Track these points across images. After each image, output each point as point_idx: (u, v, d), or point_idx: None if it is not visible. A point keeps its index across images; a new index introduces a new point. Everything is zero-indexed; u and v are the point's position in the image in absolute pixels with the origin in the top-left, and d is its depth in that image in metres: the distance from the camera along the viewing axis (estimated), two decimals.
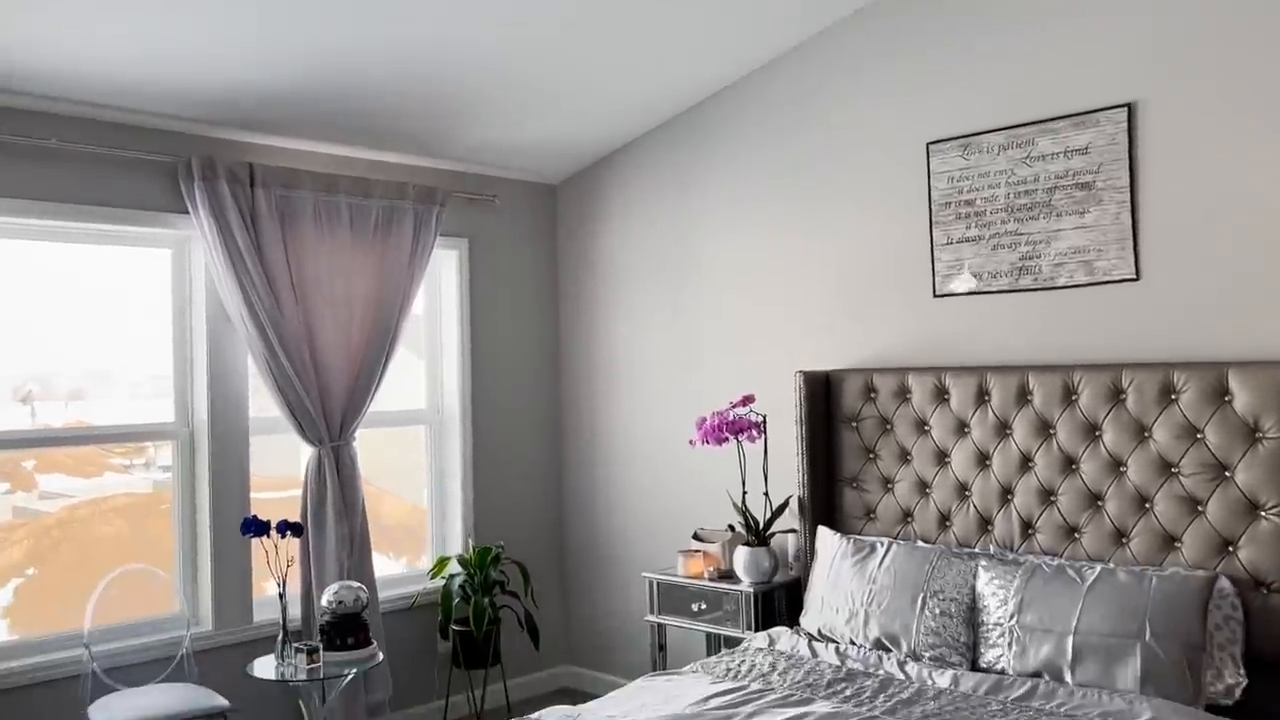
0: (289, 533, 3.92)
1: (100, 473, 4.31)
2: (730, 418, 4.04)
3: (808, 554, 4.13)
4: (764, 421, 4.09)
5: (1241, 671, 3.08)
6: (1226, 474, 3.23)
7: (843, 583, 3.73)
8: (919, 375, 3.94)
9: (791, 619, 4.16)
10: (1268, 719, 3.02)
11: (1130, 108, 3.53)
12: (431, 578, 4.85)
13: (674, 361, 4.92)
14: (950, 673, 3.30)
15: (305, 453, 4.41)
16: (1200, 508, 3.28)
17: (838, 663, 3.49)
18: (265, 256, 4.20)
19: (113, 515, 4.27)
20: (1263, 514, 3.16)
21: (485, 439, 5.15)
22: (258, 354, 4.20)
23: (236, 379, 4.30)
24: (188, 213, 4.09)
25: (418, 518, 5.16)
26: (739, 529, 4.34)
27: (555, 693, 5.33)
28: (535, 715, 3.07)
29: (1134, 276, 3.53)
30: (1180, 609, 3.07)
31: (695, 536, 4.46)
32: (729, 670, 3.47)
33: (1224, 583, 3.15)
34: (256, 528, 3.88)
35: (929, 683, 3.27)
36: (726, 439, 4.01)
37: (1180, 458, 3.32)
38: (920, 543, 3.83)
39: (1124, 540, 3.43)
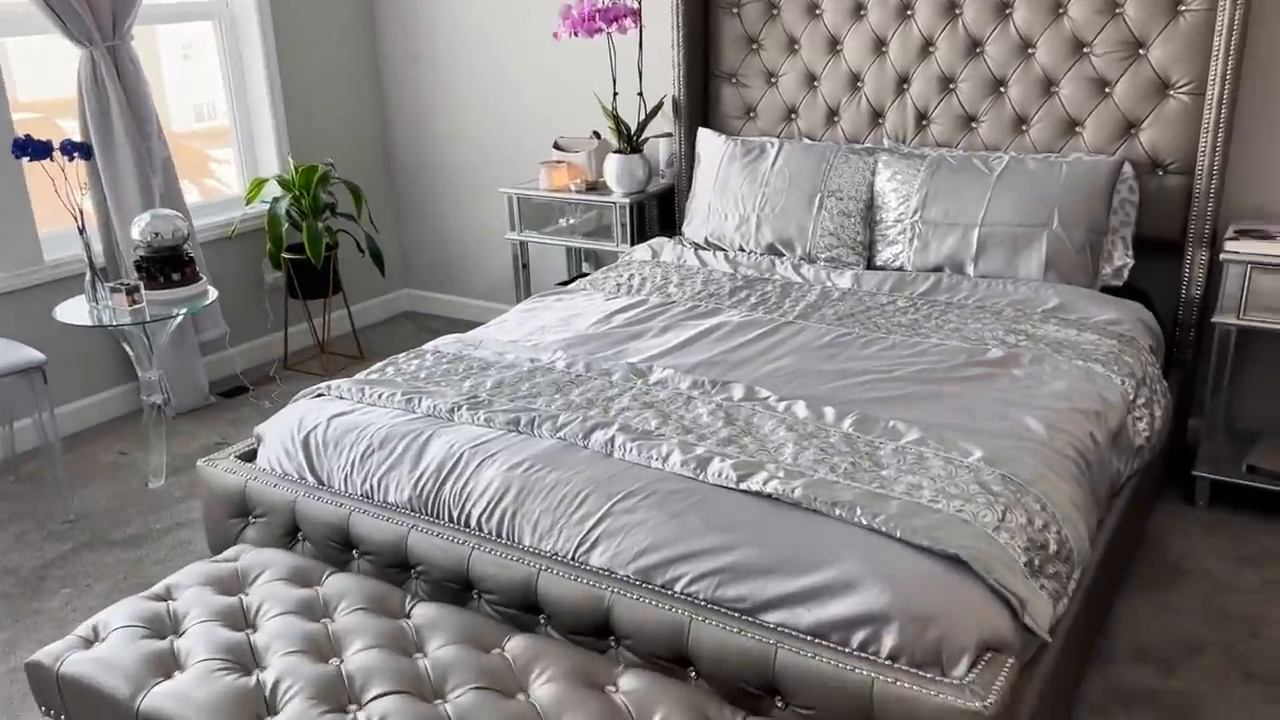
0: (77, 154, 3.22)
1: None
2: (601, 4, 3.50)
3: (683, 159, 3.81)
4: (640, 7, 3.57)
5: (1130, 253, 3.10)
6: (1141, 51, 3.07)
7: (732, 187, 3.47)
8: None
9: (664, 229, 3.92)
10: (1146, 294, 3.10)
11: None
12: (247, 203, 4.27)
13: None
14: (849, 273, 3.18)
15: (75, 59, 3.58)
16: (1108, 89, 3.14)
17: (730, 270, 3.31)
18: None
19: None
20: (1171, 93, 3.05)
21: (289, 37, 4.37)
22: None
23: None
24: None
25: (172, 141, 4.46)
26: (606, 136, 3.95)
27: (400, 317, 5.03)
28: (429, 345, 2.76)
29: None
30: (1088, 195, 3.00)
31: (556, 146, 4.04)
32: (620, 286, 3.22)
33: (1126, 166, 3.09)
34: (34, 150, 3.16)
35: (829, 284, 3.15)
36: (599, 29, 3.49)
37: (1095, 35, 3.11)
38: (807, 140, 3.57)
39: (1024, 128, 3.28)
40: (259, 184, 4.22)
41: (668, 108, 3.78)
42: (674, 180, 3.89)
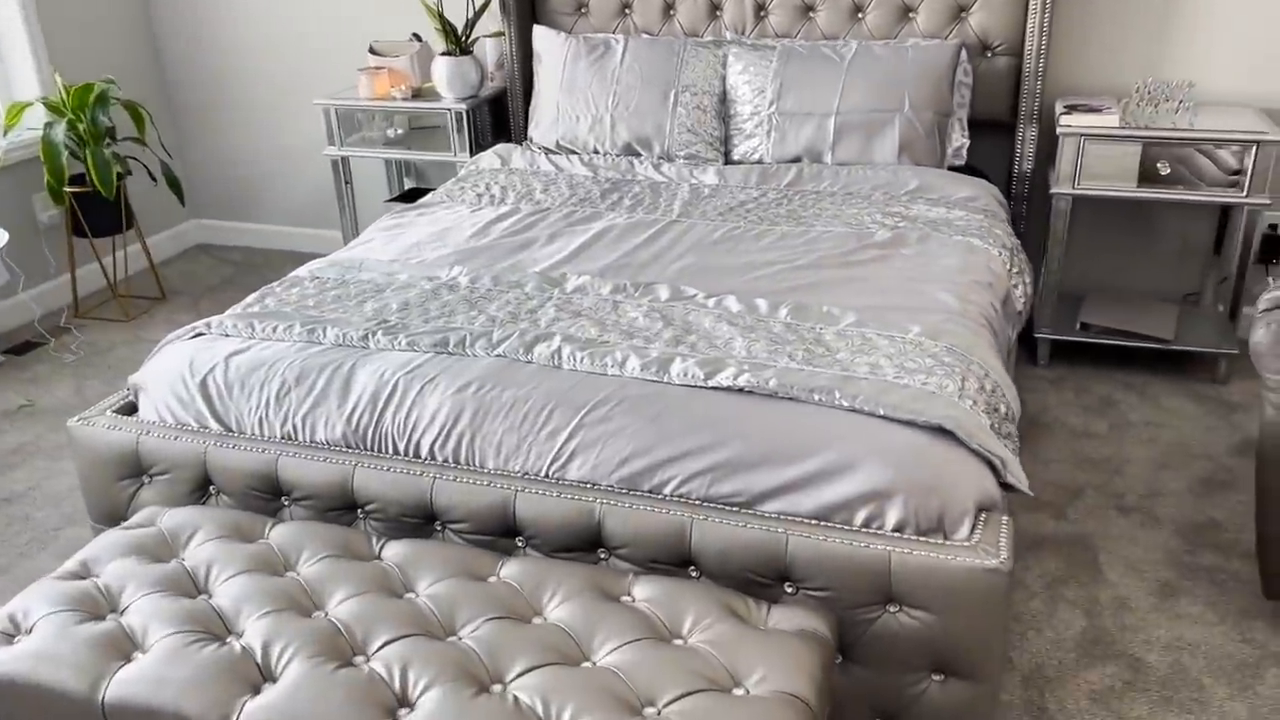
0: None
1: None
2: None
3: (514, 60, 3.65)
4: None
5: (966, 133, 3.25)
6: None
7: (580, 87, 3.35)
8: None
9: (498, 135, 3.76)
10: (983, 172, 3.27)
11: None
12: (5, 131, 3.72)
13: None
14: (711, 168, 3.17)
15: None
16: None
17: (590, 174, 3.22)
18: None
19: None
20: None
21: None
22: None
23: None
24: None
25: None
26: (428, 38, 3.71)
27: (194, 250, 4.59)
28: (303, 271, 2.52)
29: None
30: (935, 78, 3.12)
31: (372, 51, 3.75)
32: (481, 196, 3.07)
33: (962, 50, 3.22)
34: None
35: (696, 181, 3.13)
36: None
37: None
38: (645, 35, 3.50)
39: (860, 15, 3.35)
40: (19, 108, 3.68)
41: (495, 5, 3.59)
42: (505, 82, 3.72)
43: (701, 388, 1.89)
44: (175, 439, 2.02)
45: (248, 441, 1.99)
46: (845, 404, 1.80)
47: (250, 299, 2.39)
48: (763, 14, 3.44)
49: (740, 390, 1.87)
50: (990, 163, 3.35)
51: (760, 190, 3.03)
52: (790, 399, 1.84)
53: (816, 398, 1.82)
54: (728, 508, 1.75)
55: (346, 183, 3.81)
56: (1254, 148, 2.90)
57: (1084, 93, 3.32)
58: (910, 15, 3.31)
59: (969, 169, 3.24)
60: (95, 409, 2.15)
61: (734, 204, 2.91)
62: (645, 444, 1.80)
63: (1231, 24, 3.14)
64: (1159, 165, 3.00)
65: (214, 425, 2.06)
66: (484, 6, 3.52)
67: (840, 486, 1.71)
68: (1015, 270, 2.67)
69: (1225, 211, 3.28)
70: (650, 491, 1.79)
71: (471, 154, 3.58)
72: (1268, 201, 2.95)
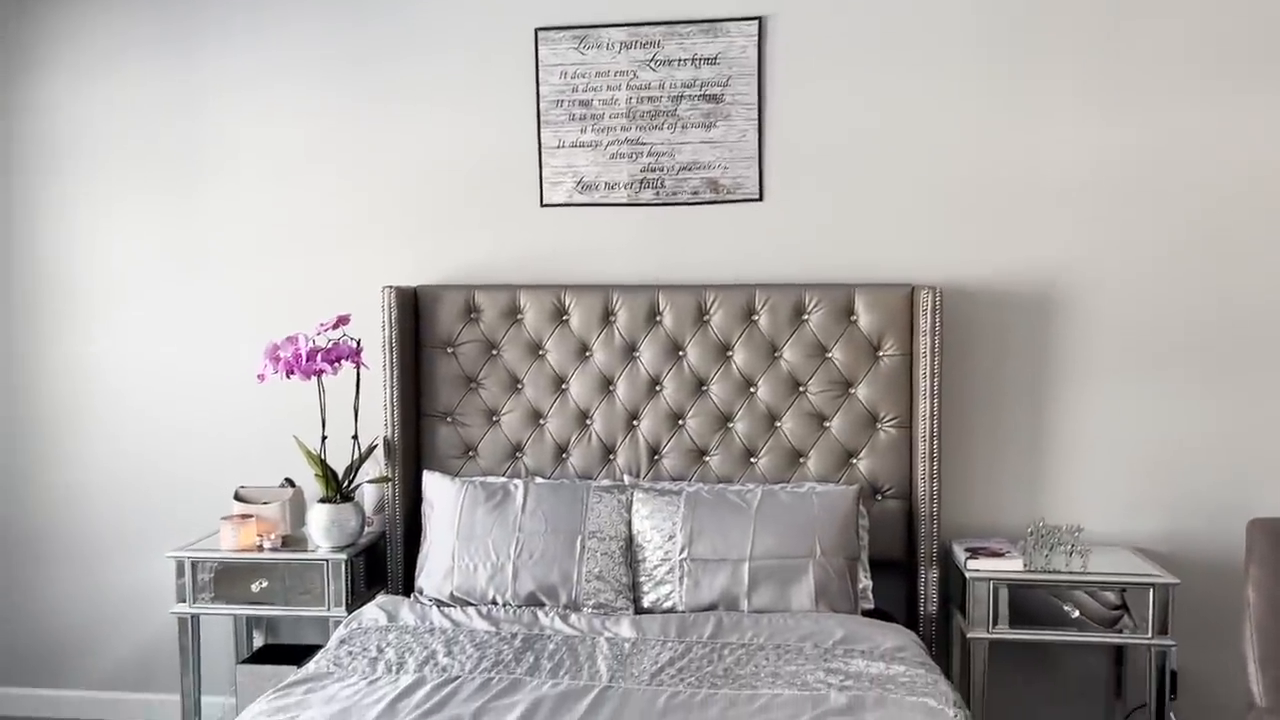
0: None
1: None
2: (324, 343, 3.17)
3: (396, 505, 3.45)
4: (361, 347, 3.29)
5: (868, 574, 3.24)
6: (851, 390, 3.37)
7: (479, 535, 3.17)
8: (534, 293, 3.49)
9: (372, 585, 3.47)
10: (888, 614, 3.23)
11: (761, 21, 3.45)
12: None
13: (177, 276, 3.76)
14: (625, 619, 2.98)
15: None
16: (826, 423, 3.39)
17: (493, 629, 2.96)
18: None
19: None
20: (880, 426, 3.36)
21: None
22: None
23: None
24: None
25: None
26: (299, 484, 3.50)
27: None
28: None
29: (758, 197, 3.49)
30: (841, 522, 3.14)
31: (238, 498, 3.47)
32: (374, 662, 2.72)
33: (859, 494, 3.28)
34: None
35: (611, 634, 2.91)
36: (321, 370, 3.14)
37: (809, 376, 3.38)
38: (539, 479, 3.41)
39: (753, 460, 3.42)
40: None
41: (379, 451, 3.45)
42: (382, 528, 3.50)
43: None
44: None
45: None
46: None
47: None
48: (657, 458, 3.45)
49: None
50: (890, 603, 3.32)
51: (683, 643, 2.84)
52: None
53: None
54: None
55: (194, 642, 3.35)
56: (1149, 590, 3.01)
57: (973, 533, 3.41)
58: (801, 460, 3.40)
59: (878, 612, 3.19)
60: None
61: (662, 663, 2.70)
62: None
63: (1103, 468, 3.37)
64: (1066, 608, 3.05)
65: None
66: (369, 451, 3.37)
67: None
68: None
69: (1120, 650, 3.33)
70: None
71: (348, 608, 3.25)
72: (1172, 643, 3.01)
